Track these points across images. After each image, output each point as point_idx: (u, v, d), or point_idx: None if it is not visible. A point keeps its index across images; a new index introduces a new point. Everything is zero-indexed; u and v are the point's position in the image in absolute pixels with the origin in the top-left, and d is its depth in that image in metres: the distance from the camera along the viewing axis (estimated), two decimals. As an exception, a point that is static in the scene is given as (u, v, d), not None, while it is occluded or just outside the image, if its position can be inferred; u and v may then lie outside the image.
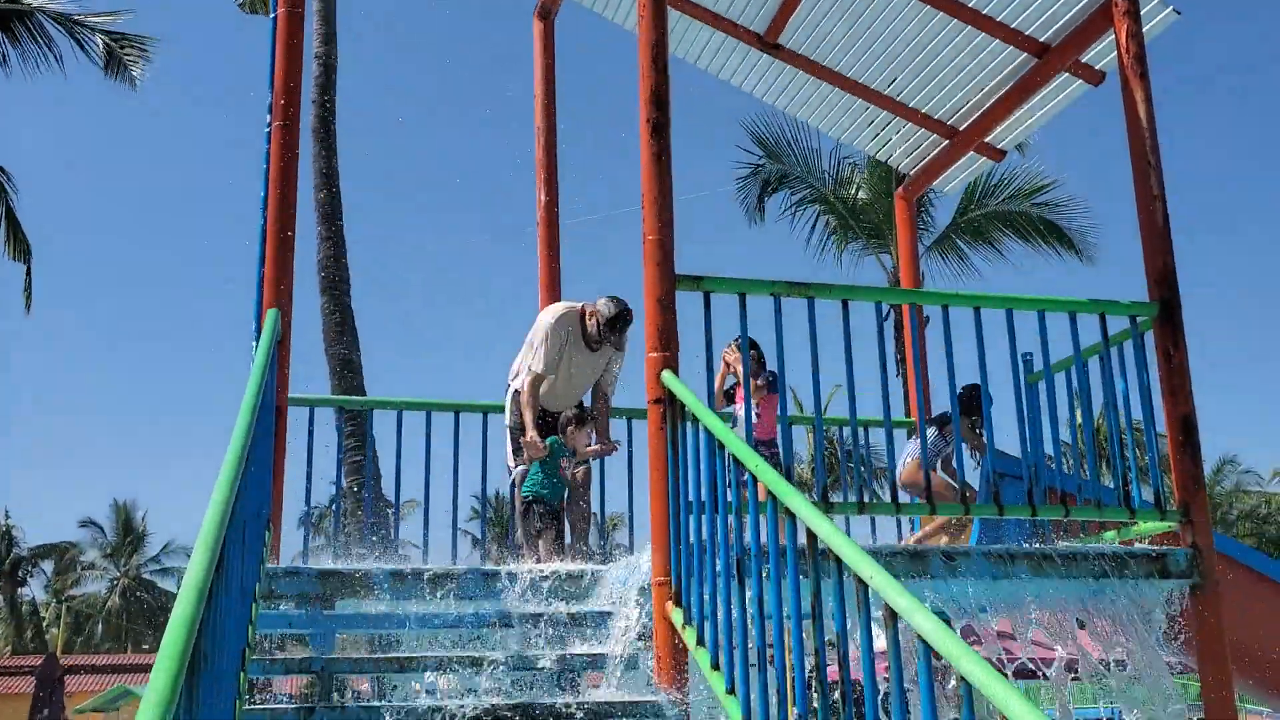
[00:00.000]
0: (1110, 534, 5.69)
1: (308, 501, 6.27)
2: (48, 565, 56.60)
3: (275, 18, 5.60)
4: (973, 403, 6.15)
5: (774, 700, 3.54)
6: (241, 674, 3.52)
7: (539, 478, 6.05)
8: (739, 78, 7.58)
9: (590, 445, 6.26)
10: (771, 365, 4.69)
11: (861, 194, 17.18)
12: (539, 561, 5.79)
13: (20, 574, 55.43)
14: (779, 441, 5.49)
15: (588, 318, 6.25)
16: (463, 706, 4.21)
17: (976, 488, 6.26)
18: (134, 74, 20.09)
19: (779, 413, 5.20)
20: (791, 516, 3.44)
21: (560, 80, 7.44)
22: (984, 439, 5.95)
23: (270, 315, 4.99)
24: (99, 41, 20.17)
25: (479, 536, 9.62)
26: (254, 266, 5.52)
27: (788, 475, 5.14)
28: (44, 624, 54.72)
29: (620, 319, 6.16)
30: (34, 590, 56.27)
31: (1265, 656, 6.83)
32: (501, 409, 6.39)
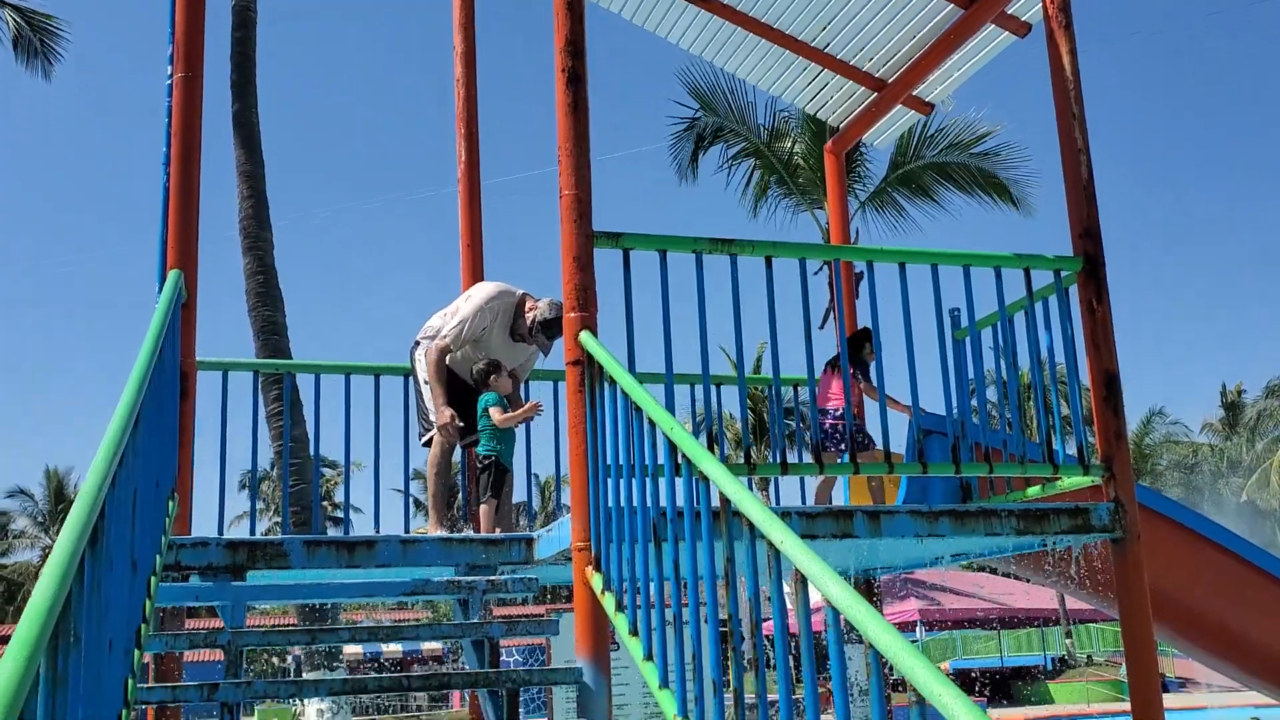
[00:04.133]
0: (1034, 489, 5.70)
1: (254, 466, 6.07)
2: (-22, 535, 55.42)
3: (173, -37, 5.34)
4: (861, 345, 6.15)
5: (690, 665, 3.47)
6: (136, 651, 3.37)
7: (490, 438, 5.83)
8: (668, 29, 7.41)
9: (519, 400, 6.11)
10: (693, 325, 4.58)
11: (796, 150, 17.06)
12: (476, 531, 5.65)
13: (-51, 543, 54.24)
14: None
15: (525, 309, 6.04)
16: (377, 679, 4.11)
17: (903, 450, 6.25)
18: (48, 58, 19.25)
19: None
20: (706, 480, 3.35)
21: (483, 34, 7.23)
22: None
23: (172, 276, 4.79)
24: (8, 20, 19.32)
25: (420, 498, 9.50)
26: (157, 224, 5.31)
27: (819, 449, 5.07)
28: (-26, 593, 53.63)
29: (557, 324, 5.95)
30: (-37, 560, 55.12)
31: (1181, 604, 6.94)
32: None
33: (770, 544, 2.80)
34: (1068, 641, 36.28)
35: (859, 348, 6.21)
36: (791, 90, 7.56)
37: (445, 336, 5.97)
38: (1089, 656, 37.05)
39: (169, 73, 5.34)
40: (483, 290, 6.10)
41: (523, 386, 6.39)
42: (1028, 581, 38.16)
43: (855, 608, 2.38)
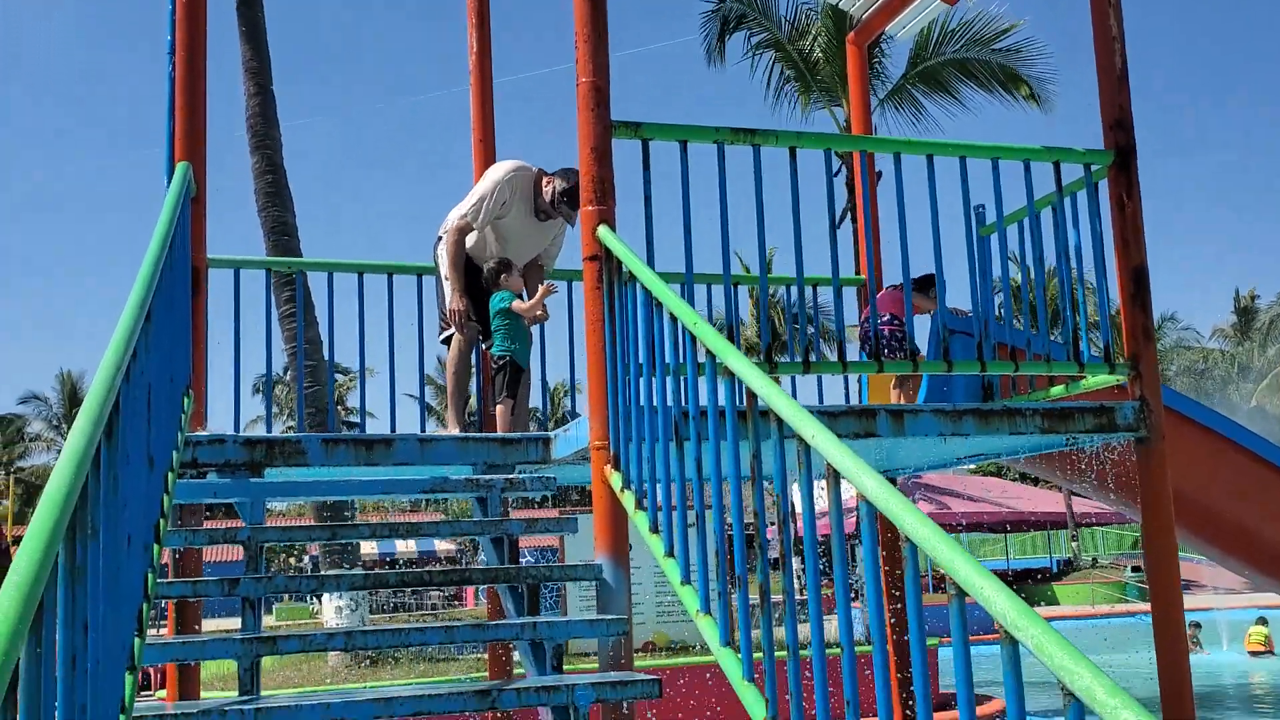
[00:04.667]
0: (1057, 389, 5.63)
1: (268, 367, 6.01)
2: (-5, 438, 56.06)
3: None
4: (926, 290, 5.99)
5: (712, 562, 3.44)
6: (155, 546, 3.34)
7: (505, 337, 5.75)
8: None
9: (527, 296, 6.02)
10: (714, 217, 4.46)
11: (818, 44, 16.67)
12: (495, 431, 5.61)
13: (-34, 447, 54.90)
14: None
15: (544, 184, 5.90)
16: (399, 573, 4.10)
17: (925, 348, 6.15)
18: None
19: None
20: (731, 376, 3.28)
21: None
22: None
23: (180, 168, 4.66)
24: None
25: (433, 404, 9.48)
26: (164, 117, 5.17)
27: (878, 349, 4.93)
28: (-6, 494, 54.45)
29: (579, 191, 5.82)
30: (-19, 463, 55.84)
31: (1199, 504, 6.92)
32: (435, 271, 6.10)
33: (800, 440, 2.73)
34: (1073, 545, 36.68)
35: (923, 293, 6.01)
36: (813, -21, 7.30)
37: (465, 215, 5.85)
38: (1094, 559, 37.49)
39: (171, -42, 5.14)
40: (499, 167, 5.97)
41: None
42: (1036, 484, 38.45)
43: (891, 501, 2.32)
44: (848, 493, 2.57)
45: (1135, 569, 31.40)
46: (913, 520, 2.23)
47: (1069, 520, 33.85)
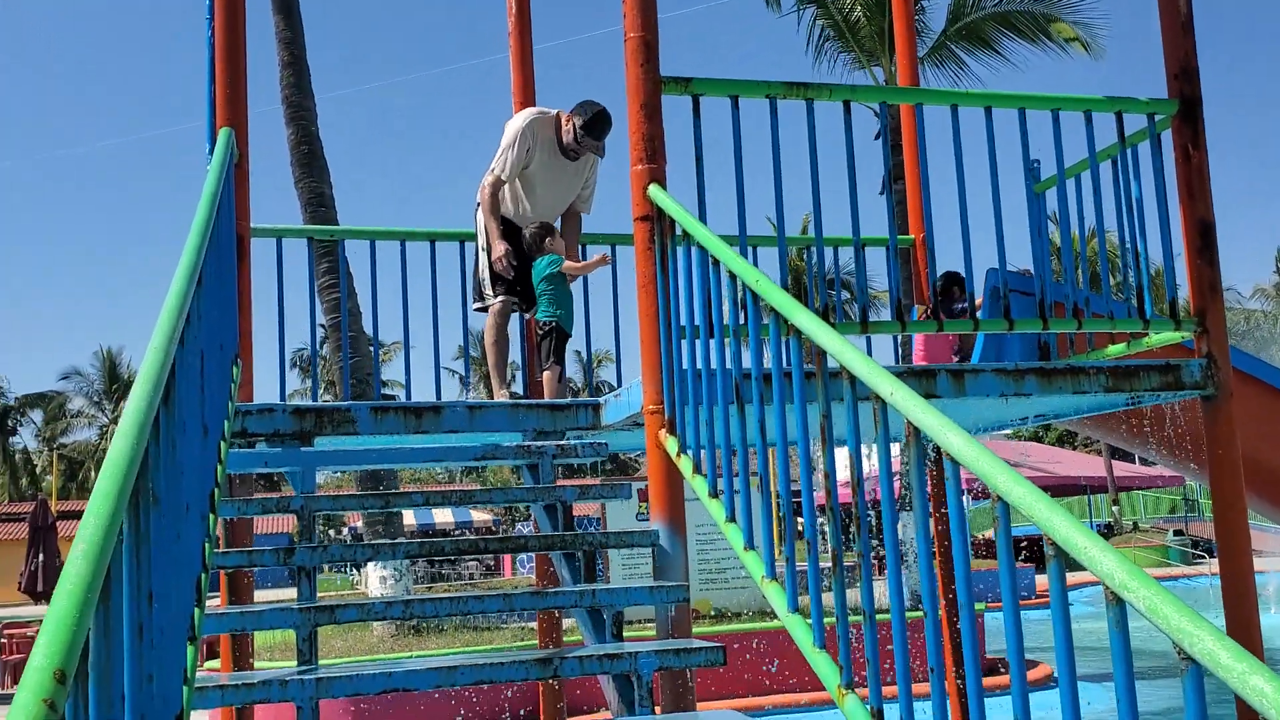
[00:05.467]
0: (1116, 348, 5.48)
1: (313, 336, 5.96)
2: (36, 415, 56.87)
3: None
4: (950, 290, 5.84)
5: (777, 527, 3.35)
6: (211, 516, 3.30)
7: (551, 302, 5.68)
8: None
9: (576, 258, 5.92)
10: (767, 172, 4.33)
11: (857, 8, 16.37)
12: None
13: (9, 423, 55.71)
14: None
15: (564, 123, 5.82)
16: (454, 540, 4.03)
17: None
18: None
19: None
20: (797, 334, 3.17)
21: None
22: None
23: (223, 134, 4.59)
24: None
25: (464, 375, 9.42)
26: (204, 85, 5.10)
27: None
28: (38, 471, 55.28)
29: (599, 119, 5.72)
30: (25, 439, 56.71)
31: (1265, 465, 6.75)
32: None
33: (877, 398, 2.62)
34: (1114, 509, 36.34)
35: (948, 294, 5.89)
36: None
37: (493, 169, 5.79)
38: (1135, 523, 37.14)
39: (207, -79, 5.05)
40: (518, 117, 5.90)
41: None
42: (1074, 448, 38.06)
43: (980, 460, 2.21)
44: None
45: (1177, 533, 31.09)
46: (1005, 479, 2.13)
47: (1109, 484, 33.52)
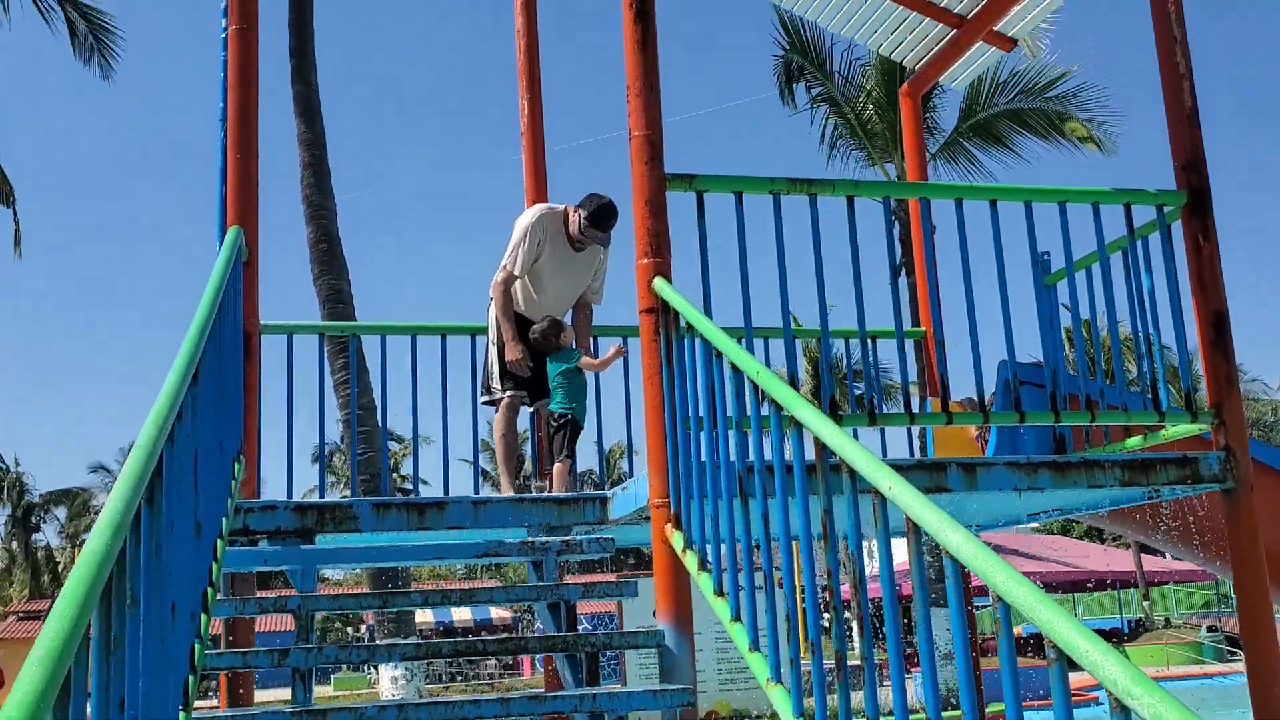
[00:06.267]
0: (1134, 440, 5.39)
1: (321, 432, 5.91)
2: (60, 512, 56.93)
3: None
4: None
5: (784, 626, 3.26)
6: (203, 617, 3.23)
7: (566, 395, 5.66)
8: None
9: (589, 352, 5.91)
10: (771, 270, 4.32)
11: (873, 96, 16.66)
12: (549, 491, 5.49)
13: (33, 520, 55.78)
14: None
15: (570, 216, 5.86)
16: (452, 642, 3.95)
17: (991, 397, 5.94)
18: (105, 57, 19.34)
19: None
20: (798, 427, 3.12)
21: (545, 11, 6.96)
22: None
23: (231, 232, 4.63)
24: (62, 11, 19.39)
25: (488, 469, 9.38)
26: (215, 186, 5.17)
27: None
28: (60, 569, 55.13)
29: (604, 210, 5.77)
30: (48, 536, 56.70)
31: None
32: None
33: (877, 493, 2.55)
34: (1145, 604, 35.57)
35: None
36: (865, 31, 7.22)
37: (504, 265, 5.82)
38: (1167, 619, 36.29)
39: (223, 25, 5.18)
40: (526, 214, 5.96)
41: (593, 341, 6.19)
42: (1103, 542, 37.42)
43: (980, 558, 2.14)
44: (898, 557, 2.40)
45: (1211, 629, 30.31)
46: (1005, 578, 2.05)
47: (1138, 578, 32.86)
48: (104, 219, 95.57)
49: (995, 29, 6.77)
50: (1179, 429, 4.91)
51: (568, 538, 4.55)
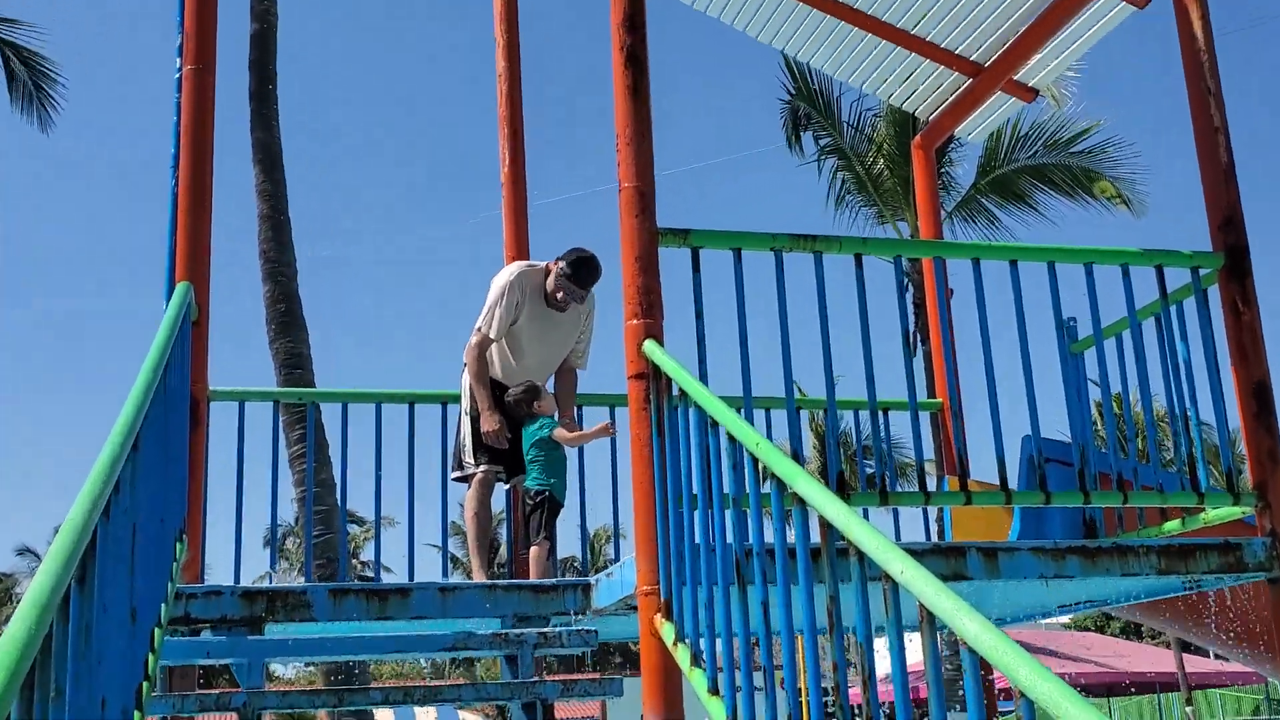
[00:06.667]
0: (1171, 525, 5.39)
1: (273, 511, 5.86)
2: (-19, 598, 56.21)
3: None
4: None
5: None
6: (137, 713, 3.18)
7: (543, 470, 5.64)
8: (745, 22, 7.23)
9: (571, 418, 5.90)
10: (773, 334, 4.33)
11: (883, 150, 16.94)
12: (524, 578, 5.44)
13: (-50, 608, 55.07)
14: None
15: (550, 275, 5.88)
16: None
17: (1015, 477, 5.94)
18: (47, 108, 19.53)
19: None
20: (802, 505, 3.11)
21: (531, 36, 7.10)
22: None
23: (179, 289, 4.65)
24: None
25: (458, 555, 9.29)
26: (164, 239, 5.19)
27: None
28: (-23, 663, 54.28)
29: (582, 264, 5.76)
30: (-33, 624, 55.93)
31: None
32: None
33: (888, 578, 2.54)
34: (1187, 710, 35.23)
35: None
36: (875, 80, 7.34)
37: (479, 328, 5.84)
38: (1211, 727, 35.92)
39: (177, 65, 5.24)
40: (503, 272, 5.99)
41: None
42: (1141, 640, 37.16)
43: (1001, 649, 2.12)
44: (913, 656, 2.38)
45: (1260, 738, 30.00)
46: (1029, 672, 2.04)
47: (1180, 681, 32.57)
48: (48, 267, 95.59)
49: (1015, 78, 6.88)
50: (1220, 512, 4.91)
51: (545, 629, 4.51)
